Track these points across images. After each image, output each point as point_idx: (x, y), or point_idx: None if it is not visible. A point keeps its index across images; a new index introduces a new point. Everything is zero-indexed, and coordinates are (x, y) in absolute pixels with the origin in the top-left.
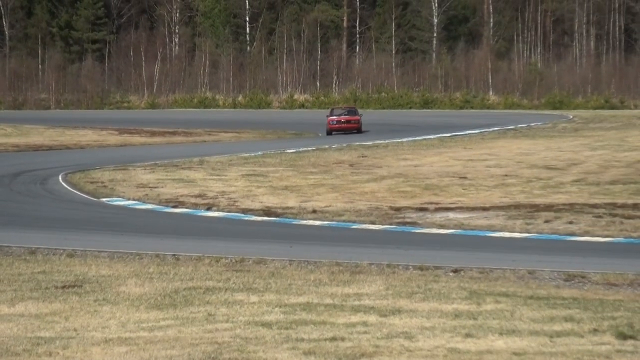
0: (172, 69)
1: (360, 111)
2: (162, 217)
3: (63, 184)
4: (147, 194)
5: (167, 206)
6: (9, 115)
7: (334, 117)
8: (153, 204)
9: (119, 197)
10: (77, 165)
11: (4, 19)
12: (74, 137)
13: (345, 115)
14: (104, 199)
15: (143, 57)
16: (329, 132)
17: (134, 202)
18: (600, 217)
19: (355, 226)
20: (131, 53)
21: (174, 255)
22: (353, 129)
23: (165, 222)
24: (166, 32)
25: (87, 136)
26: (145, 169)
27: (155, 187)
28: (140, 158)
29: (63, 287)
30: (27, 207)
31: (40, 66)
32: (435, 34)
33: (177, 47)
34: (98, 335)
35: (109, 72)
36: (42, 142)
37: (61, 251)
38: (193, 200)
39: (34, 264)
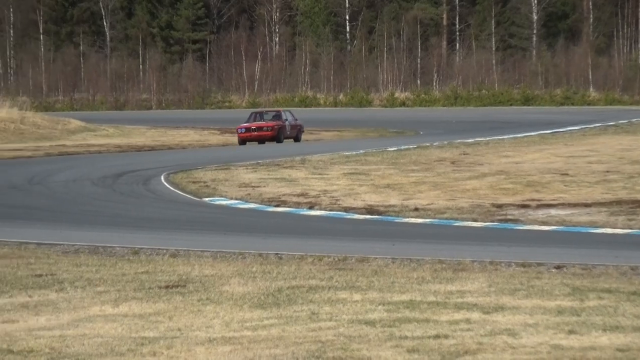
0: (272, 68)
1: (294, 116)
2: (265, 217)
3: (165, 184)
4: (249, 194)
5: (269, 205)
6: (111, 116)
7: (244, 125)
8: (255, 203)
9: (221, 196)
10: (179, 165)
11: (105, 20)
12: (175, 137)
13: (260, 121)
14: (206, 199)
15: (243, 57)
16: (241, 142)
17: (236, 201)
18: None
19: (457, 224)
20: (232, 53)
21: (277, 254)
22: (266, 137)
23: (267, 221)
24: (266, 32)
25: (188, 136)
26: (247, 169)
27: (257, 187)
28: (242, 157)
29: (166, 287)
30: (130, 208)
31: (141, 67)
32: (534, 31)
33: (277, 47)
34: (202, 334)
35: (209, 72)
36: (144, 143)
37: (164, 251)
38: (295, 199)
39: (138, 264)
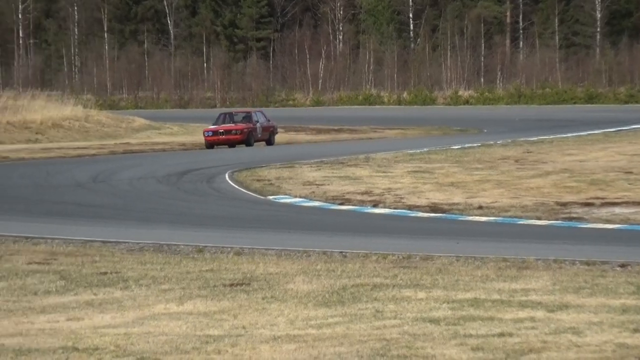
0: (336, 67)
1: (267, 117)
2: (329, 215)
3: (229, 182)
4: (313, 192)
5: (333, 203)
6: (175, 114)
7: (211, 128)
8: (319, 201)
9: (286, 194)
10: (244, 163)
11: (169, 18)
12: None
13: (229, 123)
14: (271, 197)
15: (307, 55)
16: (208, 146)
17: (300, 199)
18: None
19: (521, 222)
20: (295, 51)
21: (342, 252)
22: (235, 141)
23: (331, 220)
24: (330, 30)
25: None
26: (312, 167)
27: (321, 185)
28: (306, 155)
29: (231, 285)
30: (194, 206)
31: (205, 65)
32: (598, 29)
33: (341, 45)
34: (266, 332)
35: (273, 70)
36: None
37: (229, 249)
38: (359, 197)
39: (202, 262)
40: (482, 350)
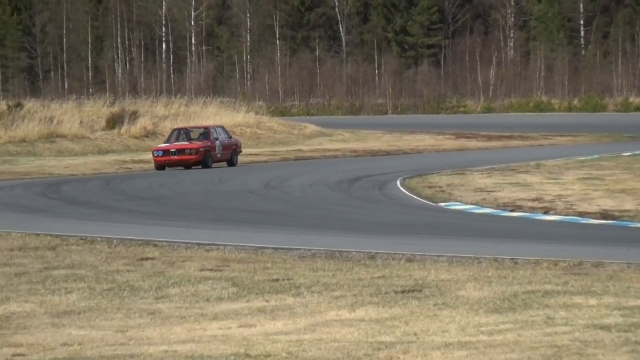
0: (507, 73)
1: (228, 133)
2: (500, 221)
3: (401, 188)
4: (484, 198)
5: (504, 210)
6: (347, 121)
7: (161, 146)
8: (490, 208)
9: (457, 201)
10: (415, 170)
11: (340, 25)
12: (411, 142)
13: (183, 141)
14: (442, 204)
15: (478, 62)
16: (158, 167)
17: (471, 206)
18: None
19: None
20: (466, 57)
21: (512, 259)
22: (190, 162)
23: (502, 226)
24: (501, 37)
25: (424, 141)
26: (482, 173)
27: (492, 191)
28: (477, 162)
29: (402, 291)
30: (366, 212)
31: (376, 71)
32: None
33: (511, 51)
34: (438, 339)
35: (444, 76)
36: (379, 147)
37: (400, 256)
38: (530, 204)
39: (374, 269)
40: None
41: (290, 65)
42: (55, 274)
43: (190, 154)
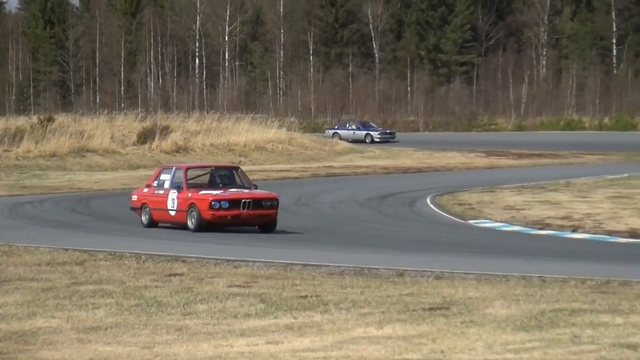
0: (538, 91)
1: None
2: (528, 239)
3: (431, 205)
4: (513, 216)
5: (533, 228)
6: None
7: (219, 194)
8: (519, 225)
9: (486, 219)
10: (445, 187)
11: (374, 42)
12: (441, 160)
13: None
14: (471, 221)
15: (510, 80)
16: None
17: (500, 224)
18: None
19: None
20: (499, 75)
21: (540, 277)
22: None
23: (531, 244)
24: (533, 55)
25: (454, 158)
26: (512, 191)
27: (521, 209)
28: (506, 180)
29: (430, 309)
30: (395, 229)
31: (409, 88)
32: None
33: (544, 70)
34: (464, 357)
35: (476, 94)
36: (410, 164)
37: (429, 273)
38: (559, 222)
39: (402, 286)
40: None
41: (323, 82)
42: (82, 289)
43: (272, 207)
